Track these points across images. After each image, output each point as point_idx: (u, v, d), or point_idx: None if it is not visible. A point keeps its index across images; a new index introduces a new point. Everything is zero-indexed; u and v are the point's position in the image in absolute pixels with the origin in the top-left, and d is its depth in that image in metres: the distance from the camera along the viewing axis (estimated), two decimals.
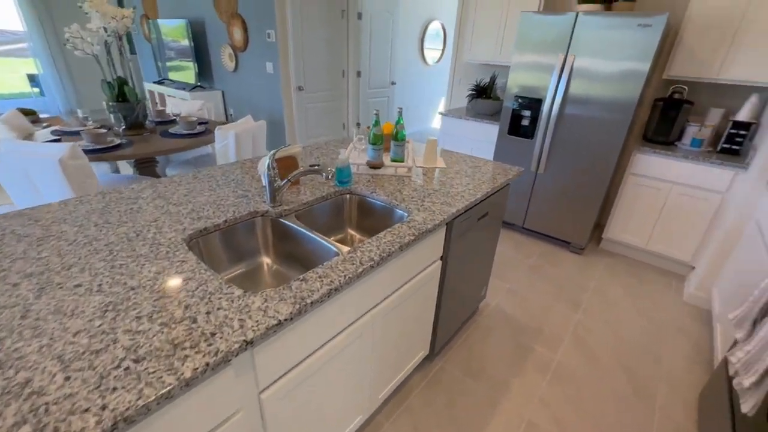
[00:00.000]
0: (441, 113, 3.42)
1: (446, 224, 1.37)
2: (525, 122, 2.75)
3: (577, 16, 2.34)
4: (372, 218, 1.50)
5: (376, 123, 1.64)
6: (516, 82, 2.70)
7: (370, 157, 1.69)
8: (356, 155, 1.81)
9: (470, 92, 3.64)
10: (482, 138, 3.23)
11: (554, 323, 2.11)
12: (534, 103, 2.67)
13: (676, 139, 2.58)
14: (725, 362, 1.47)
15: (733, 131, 2.35)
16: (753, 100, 2.34)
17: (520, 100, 2.73)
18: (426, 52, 6.18)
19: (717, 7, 2.25)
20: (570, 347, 1.95)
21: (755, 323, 1.19)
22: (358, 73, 4.89)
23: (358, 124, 5.20)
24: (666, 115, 2.55)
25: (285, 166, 1.42)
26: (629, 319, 2.18)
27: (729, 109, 2.55)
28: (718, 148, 2.42)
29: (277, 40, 3.97)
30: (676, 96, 2.48)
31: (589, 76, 2.40)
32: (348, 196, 1.52)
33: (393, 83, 5.42)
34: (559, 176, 2.72)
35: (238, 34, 4.32)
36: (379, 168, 1.68)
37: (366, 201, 1.49)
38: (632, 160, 2.56)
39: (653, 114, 2.61)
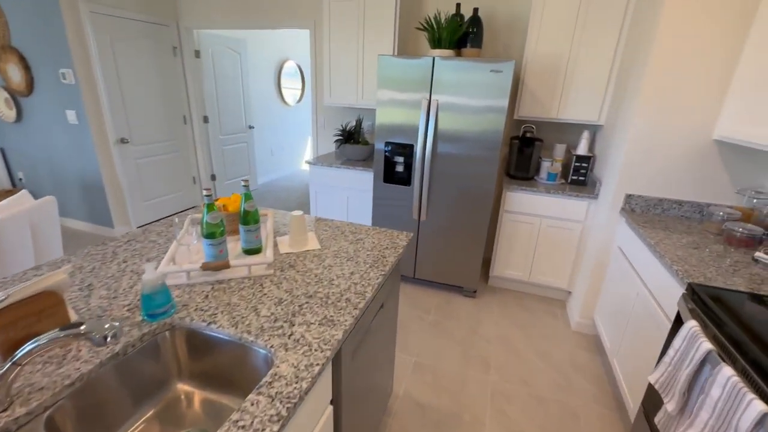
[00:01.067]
0: (308, 162, 3.02)
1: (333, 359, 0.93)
2: (400, 168, 2.56)
3: (434, 60, 2.27)
4: (215, 359, 0.96)
5: (211, 207, 1.12)
6: (384, 127, 2.50)
7: (208, 257, 1.15)
8: (186, 254, 1.23)
9: (337, 137, 3.36)
10: (357, 186, 2.95)
11: (471, 399, 1.84)
12: (406, 149, 2.50)
13: (534, 173, 2.73)
14: (646, 419, 1.38)
15: (577, 164, 2.58)
16: (586, 135, 2.61)
17: (391, 147, 2.53)
18: (285, 92, 5.81)
19: (546, 55, 2.46)
20: (494, 429, 1.69)
21: (686, 394, 1.08)
22: (205, 119, 4.18)
23: (213, 176, 4.42)
24: (523, 153, 2.68)
25: (25, 322, 0.78)
26: (536, 369, 2.07)
27: (570, 143, 2.84)
28: (569, 179, 2.63)
29: (78, 82, 3.02)
30: (528, 135, 2.63)
31: (456, 115, 2.34)
32: (167, 333, 0.95)
33: (251, 127, 4.84)
34: (442, 221, 2.59)
35: (15, 74, 3.18)
36: (224, 270, 1.15)
37: (200, 335, 0.95)
38: (503, 197, 2.60)
39: (512, 151, 2.72)
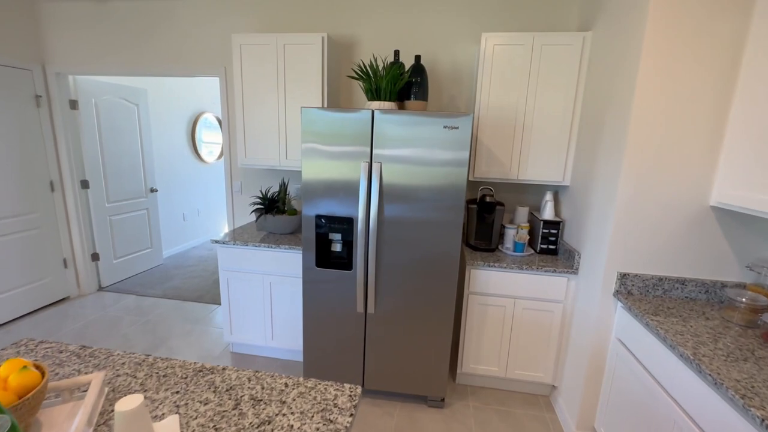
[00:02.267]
0: (216, 242, 2.30)
1: None
2: (337, 248, 1.96)
3: (373, 115, 1.80)
4: None
5: None
6: (312, 196, 1.93)
7: None
8: None
9: (256, 206, 2.70)
10: (283, 270, 2.27)
11: None
12: (343, 223, 1.93)
13: (498, 242, 2.31)
14: None
15: (545, 231, 2.20)
16: (549, 197, 2.28)
17: (324, 221, 1.94)
18: (203, 147, 5.06)
19: (500, 108, 2.14)
20: None
21: None
22: (84, 184, 3.28)
23: (96, 255, 3.43)
24: (483, 220, 2.26)
25: None
26: None
27: (532, 205, 2.49)
28: (537, 248, 2.24)
29: None
30: (488, 199, 2.23)
31: (407, 172, 1.84)
32: None
33: (153, 190, 3.97)
34: (396, 311, 1.99)
35: None
36: None
37: None
38: (468, 276, 2.11)
39: (470, 218, 2.29)
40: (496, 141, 2.18)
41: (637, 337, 1.50)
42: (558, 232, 2.19)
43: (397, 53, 2.11)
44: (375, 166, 1.83)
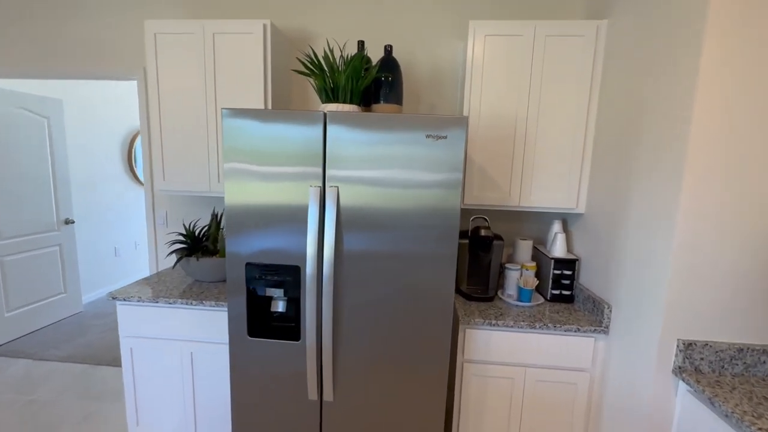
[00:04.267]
0: (114, 297, 1.65)
1: None
2: (278, 308, 1.37)
3: (325, 120, 1.27)
4: None
5: None
6: (241, 231, 1.34)
7: None
8: None
9: (179, 245, 2.09)
10: (213, 336, 1.65)
11: None
12: (287, 274, 1.35)
13: (496, 288, 1.79)
14: None
15: (557, 272, 1.71)
16: (557, 229, 1.80)
17: (259, 272, 1.36)
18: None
19: (495, 117, 1.67)
20: None
21: None
22: None
23: None
24: (478, 258, 1.75)
25: None
26: None
27: (537, 238, 2.01)
28: (548, 294, 1.74)
29: None
30: (483, 232, 1.72)
31: (376, 205, 1.30)
32: None
33: (69, 221, 3.24)
34: (364, 398, 1.40)
35: None
36: None
37: None
38: (462, 339, 1.56)
39: (461, 257, 1.77)
40: (491, 158, 1.70)
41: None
42: (573, 273, 1.70)
43: (361, 44, 1.61)
44: (330, 192, 1.28)
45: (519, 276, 1.71)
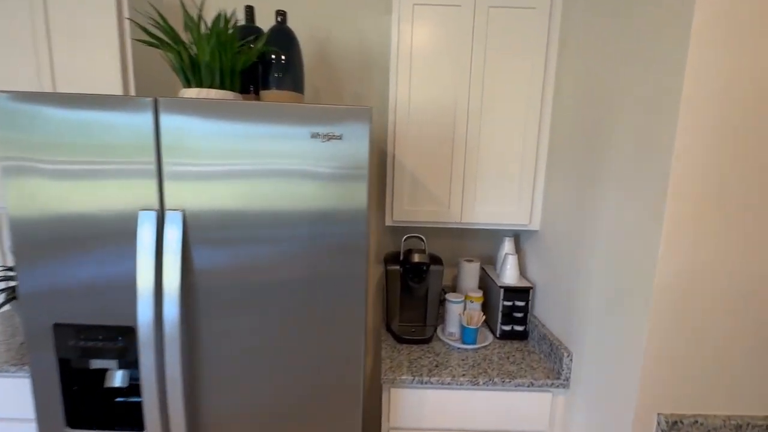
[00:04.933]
0: None
1: None
2: (115, 383, 0.94)
3: (157, 113, 0.85)
4: None
5: None
6: (43, 266, 0.90)
7: None
8: None
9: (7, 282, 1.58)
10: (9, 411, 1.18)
11: None
12: (117, 338, 0.92)
13: (435, 326, 1.44)
14: None
15: (507, 303, 1.38)
16: (508, 248, 1.48)
17: (76, 337, 0.91)
18: None
19: (429, 106, 1.31)
20: None
21: None
22: None
23: None
24: (410, 291, 1.39)
25: None
26: None
27: (483, 257, 1.67)
28: (498, 331, 1.41)
29: None
30: (417, 257, 1.36)
31: (243, 192, 0.90)
32: None
33: None
34: None
35: None
36: None
37: None
38: (386, 402, 1.19)
39: (390, 287, 1.40)
40: (426, 163, 1.34)
41: None
42: (527, 304, 1.38)
43: (250, 11, 1.19)
44: (172, 219, 0.86)
45: (462, 310, 1.37)
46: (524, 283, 1.40)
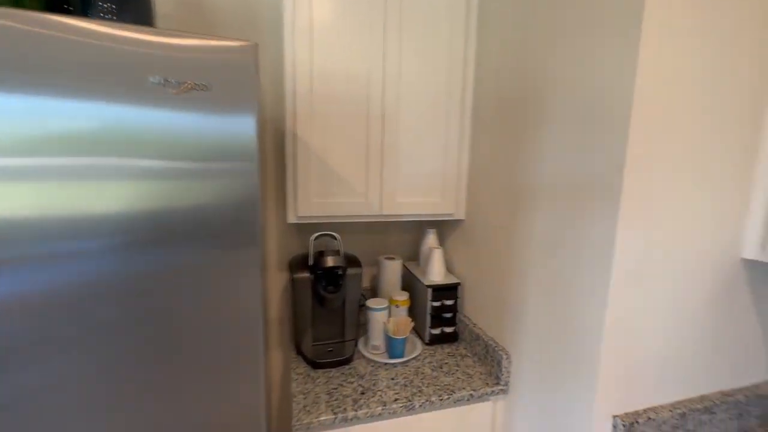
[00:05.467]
0: None
1: None
2: None
3: None
4: None
5: None
6: None
7: None
8: None
9: None
10: None
11: None
12: None
13: (357, 337, 1.21)
14: None
15: (436, 303, 1.22)
16: (432, 241, 1.33)
17: None
18: None
19: (335, 80, 1.06)
20: None
21: None
22: None
23: None
24: (324, 300, 1.12)
25: None
26: None
27: (404, 254, 1.49)
28: (427, 337, 1.24)
29: None
30: (330, 260, 1.10)
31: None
32: None
33: None
34: None
35: None
36: None
37: None
38: None
39: (299, 300, 1.12)
40: (337, 145, 1.09)
41: None
42: (456, 303, 1.24)
43: None
44: None
45: (386, 319, 1.16)
46: (452, 280, 1.25)
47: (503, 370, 1.02)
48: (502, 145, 1.04)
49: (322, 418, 0.89)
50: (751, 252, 0.79)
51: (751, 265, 0.81)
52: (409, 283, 1.35)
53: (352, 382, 1.03)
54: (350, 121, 1.09)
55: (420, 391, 1.00)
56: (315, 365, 1.09)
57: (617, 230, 0.70)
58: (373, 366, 1.11)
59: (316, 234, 1.17)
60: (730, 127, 0.73)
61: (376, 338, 1.16)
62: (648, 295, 0.74)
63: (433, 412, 0.99)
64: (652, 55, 0.65)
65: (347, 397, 0.97)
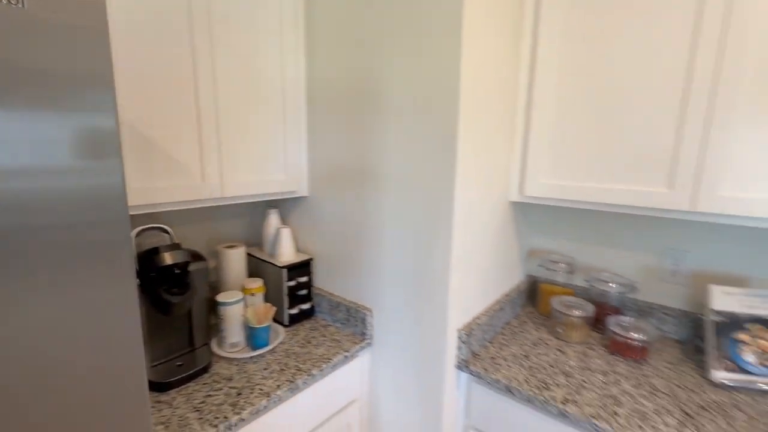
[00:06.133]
0: None
1: None
2: None
3: None
4: None
5: None
6: None
7: None
8: None
9: None
10: None
11: None
12: None
13: (207, 338, 1.05)
14: None
15: (292, 283, 1.20)
16: (275, 221, 1.29)
17: None
18: None
19: (144, 23, 0.84)
20: None
21: None
22: None
23: None
24: (166, 306, 0.91)
25: None
26: None
27: (247, 241, 1.34)
28: (285, 319, 1.21)
29: None
30: (168, 256, 0.89)
31: None
32: None
33: None
34: None
35: None
36: None
37: None
38: None
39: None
40: (159, 113, 0.87)
41: (505, 416, 0.94)
42: (310, 278, 1.26)
43: None
44: None
45: (243, 310, 1.06)
46: (303, 257, 1.25)
47: (368, 325, 1.14)
48: (346, 127, 1.11)
49: None
50: (512, 196, 1.18)
51: (513, 205, 1.22)
52: (256, 269, 1.26)
53: (220, 389, 0.90)
54: (173, 83, 0.89)
55: (299, 369, 0.99)
56: (165, 387, 0.88)
57: (455, 192, 0.90)
58: (237, 364, 1.00)
59: (138, 229, 0.92)
60: (504, 110, 1.06)
61: (234, 335, 1.05)
62: (472, 236, 1.00)
63: (315, 385, 1.01)
64: (468, 53, 0.86)
65: (222, 404, 0.85)
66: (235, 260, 1.19)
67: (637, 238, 1.19)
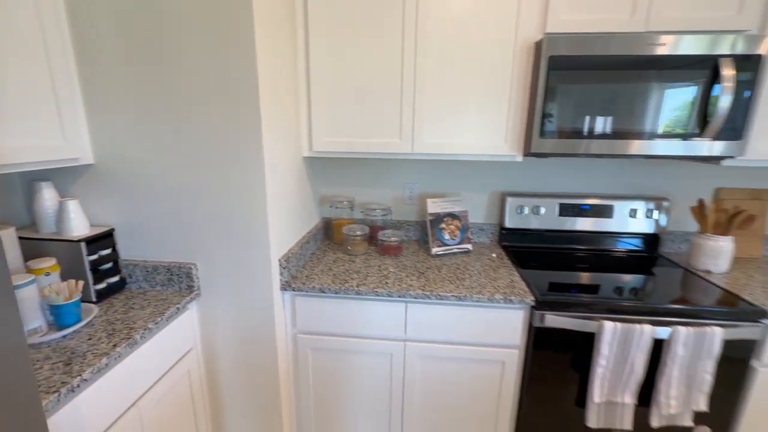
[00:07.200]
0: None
1: None
2: None
3: None
4: None
5: None
6: None
7: None
8: None
9: None
10: None
11: None
12: None
13: None
14: None
15: (93, 258, 1.13)
16: (48, 194, 1.15)
17: None
18: None
19: None
20: None
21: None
22: None
23: None
24: None
25: None
26: None
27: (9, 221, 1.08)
28: (93, 295, 1.13)
29: None
30: None
31: None
32: None
33: None
34: None
35: None
36: None
37: None
38: None
39: None
40: None
41: (321, 310, 1.32)
42: (114, 249, 1.20)
43: None
44: None
45: (39, 292, 0.96)
46: (100, 229, 1.18)
47: (194, 278, 1.23)
48: (138, 87, 1.10)
49: (44, 403, 0.74)
50: (304, 152, 1.49)
51: (306, 160, 1.53)
52: (35, 251, 1.09)
53: (40, 369, 0.84)
54: None
55: (131, 327, 1.01)
56: None
57: (264, 148, 1.12)
58: (50, 346, 0.93)
59: None
60: (293, 88, 1.32)
61: (36, 319, 0.94)
62: (280, 185, 1.25)
63: (153, 339, 1.05)
64: (262, 52, 1.06)
65: (51, 377, 0.82)
66: (7, 243, 1.00)
67: (388, 177, 1.76)
